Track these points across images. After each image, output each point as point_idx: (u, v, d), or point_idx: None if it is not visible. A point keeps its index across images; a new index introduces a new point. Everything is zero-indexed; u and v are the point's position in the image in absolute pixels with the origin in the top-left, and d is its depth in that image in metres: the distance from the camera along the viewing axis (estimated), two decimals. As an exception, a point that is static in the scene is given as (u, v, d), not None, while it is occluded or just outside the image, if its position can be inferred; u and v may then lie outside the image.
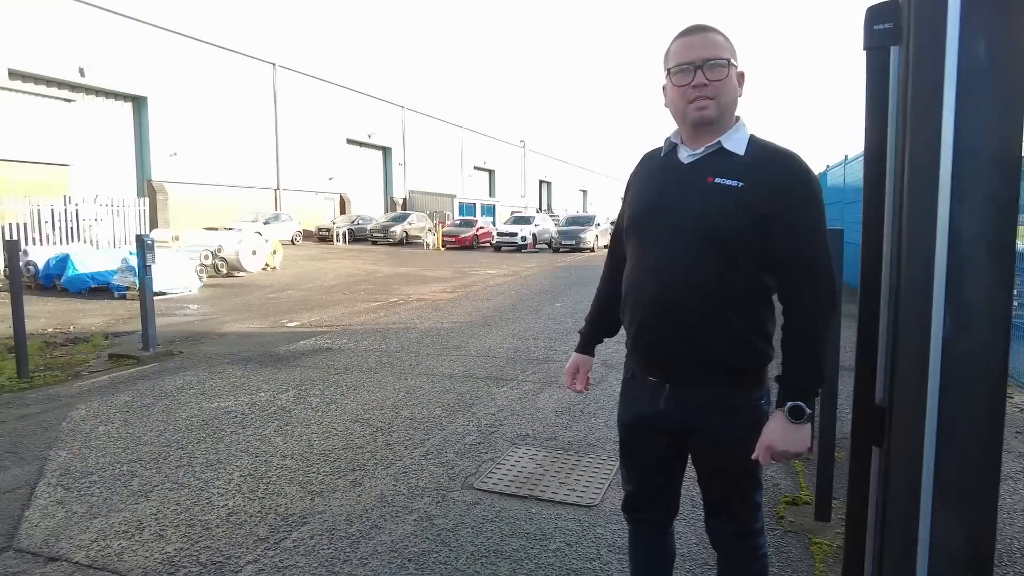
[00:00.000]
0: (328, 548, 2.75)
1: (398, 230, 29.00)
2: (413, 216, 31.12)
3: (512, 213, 36.64)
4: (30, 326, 7.80)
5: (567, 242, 25.75)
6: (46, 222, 14.81)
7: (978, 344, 1.20)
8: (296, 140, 30.88)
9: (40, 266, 12.15)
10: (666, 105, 1.73)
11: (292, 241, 25.72)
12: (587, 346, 1.99)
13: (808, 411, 1.50)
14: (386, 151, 38.66)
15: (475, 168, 48.44)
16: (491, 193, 49.75)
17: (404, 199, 38.89)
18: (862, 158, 1.57)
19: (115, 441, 4.10)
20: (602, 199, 74.20)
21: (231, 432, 4.25)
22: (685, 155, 1.68)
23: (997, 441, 1.21)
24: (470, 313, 9.58)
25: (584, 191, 72.14)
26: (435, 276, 15.72)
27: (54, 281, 12.00)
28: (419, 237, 29.23)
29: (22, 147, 16.46)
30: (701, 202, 1.59)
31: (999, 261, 1.19)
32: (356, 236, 28.99)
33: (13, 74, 19.30)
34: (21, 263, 12.01)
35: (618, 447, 1.90)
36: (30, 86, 18.08)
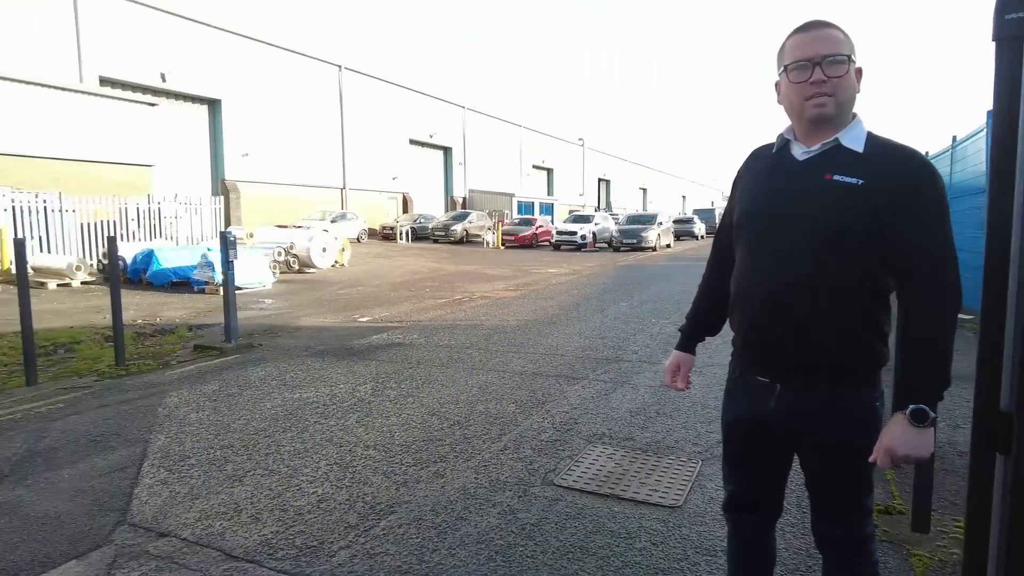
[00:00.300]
0: (417, 537, 2.82)
1: (458, 229, 29.34)
2: (473, 215, 31.43)
3: (570, 211, 36.52)
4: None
5: (628, 241, 25.44)
6: (132, 219, 15.66)
7: None
8: (361, 140, 31.67)
9: (128, 261, 12.86)
10: (779, 101, 1.70)
11: (358, 239, 26.39)
12: (689, 345, 1.98)
13: (932, 415, 1.45)
14: (447, 151, 39.17)
15: (533, 167, 48.49)
16: (549, 192, 49.70)
17: (464, 198, 39.31)
18: (986, 148, 1.50)
19: (207, 427, 4.32)
20: (662, 197, 73.05)
21: (314, 422, 4.40)
22: (799, 152, 1.64)
23: None
24: (534, 311, 9.61)
25: (644, 189, 71.17)
26: (496, 274, 15.83)
27: (140, 275, 12.70)
28: (479, 236, 29.50)
29: (110, 149, 17.49)
30: (819, 200, 1.56)
31: None
32: (418, 234, 29.51)
33: (103, 81, 20.52)
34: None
35: (722, 447, 1.88)
36: (117, 92, 19.15)
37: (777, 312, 1.60)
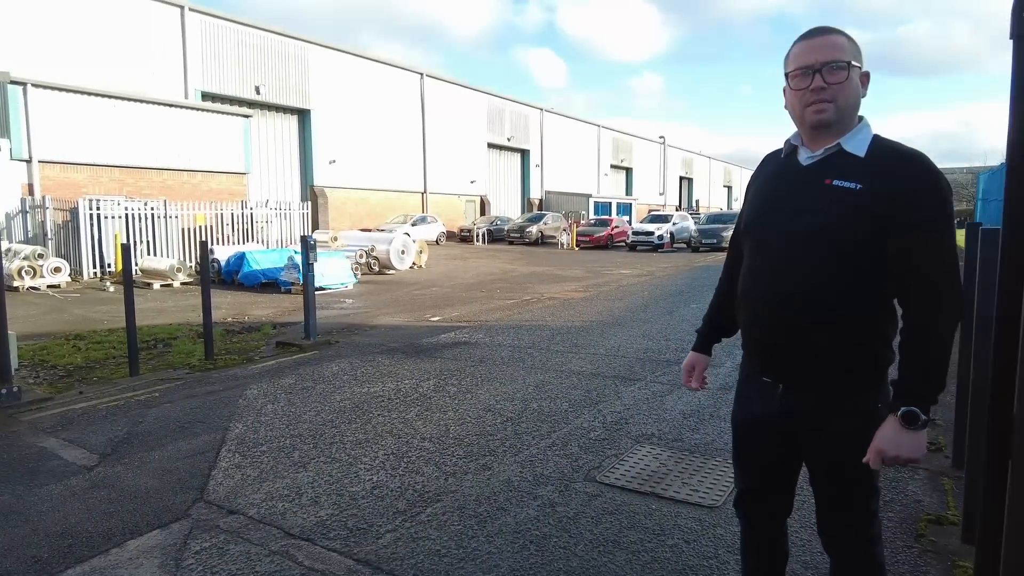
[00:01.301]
0: (458, 524, 2.99)
1: (533, 230, 29.57)
2: (548, 216, 31.59)
3: (650, 211, 35.98)
4: (213, 315, 8.96)
5: (708, 241, 24.80)
6: (227, 224, 16.81)
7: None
8: (441, 145, 32.50)
9: (222, 263, 13.83)
10: (786, 107, 1.74)
11: (437, 241, 27.10)
12: (704, 345, 2.03)
13: (923, 418, 1.46)
14: (524, 153, 39.51)
15: (612, 167, 48.09)
16: (628, 191, 49.13)
17: (540, 200, 39.53)
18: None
19: (280, 418, 4.67)
20: (747, 196, 70.50)
21: (378, 415, 4.67)
22: (804, 157, 1.68)
23: None
24: (601, 312, 9.63)
25: (728, 187, 69.04)
26: (568, 275, 15.90)
27: (233, 276, 13.63)
28: (554, 237, 29.61)
29: (210, 159, 18.86)
30: (818, 204, 1.59)
31: None
32: (494, 236, 29.97)
33: (204, 96, 22.11)
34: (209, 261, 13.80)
35: (732, 447, 1.93)
36: (216, 105, 20.61)
37: (778, 316, 1.65)
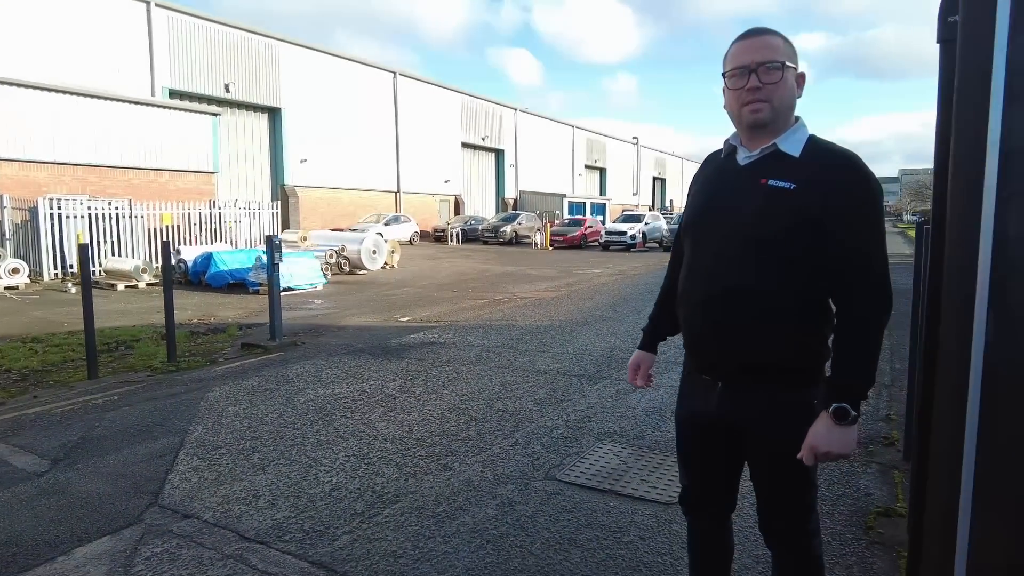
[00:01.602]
0: (416, 525, 2.98)
1: (508, 230, 29.59)
2: (523, 216, 31.64)
3: (623, 211, 36.24)
4: (178, 317, 8.79)
5: (679, 241, 25.01)
6: (194, 224, 16.52)
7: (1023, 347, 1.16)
8: (415, 144, 32.34)
9: (189, 264, 13.60)
10: (725, 107, 1.76)
11: (410, 241, 26.97)
12: (649, 344, 2.05)
13: (853, 413, 1.49)
14: (498, 153, 39.51)
15: (586, 167, 48.32)
16: (602, 191, 49.42)
17: (515, 199, 39.57)
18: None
19: (241, 420, 4.60)
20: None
21: (341, 416, 4.63)
22: (742, 157, 1.70)
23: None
24: (571, 312, 9.68)
25: (700, 188, 69.76)
26: (541, 275, 15.94)
27: (200, 277, 13.40)
28: (528, 236, 29.66)
29: (177, 157, 18.52)
30: (753, 204, 1.61)
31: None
32: (469, 236, 29.92)
33: (172, 93, 21.71)
34: (174, 261, 13.55)
35: (675, 444, 1.95)
36: (184, 103, 20.24)
37: (715, 314, 1.67)
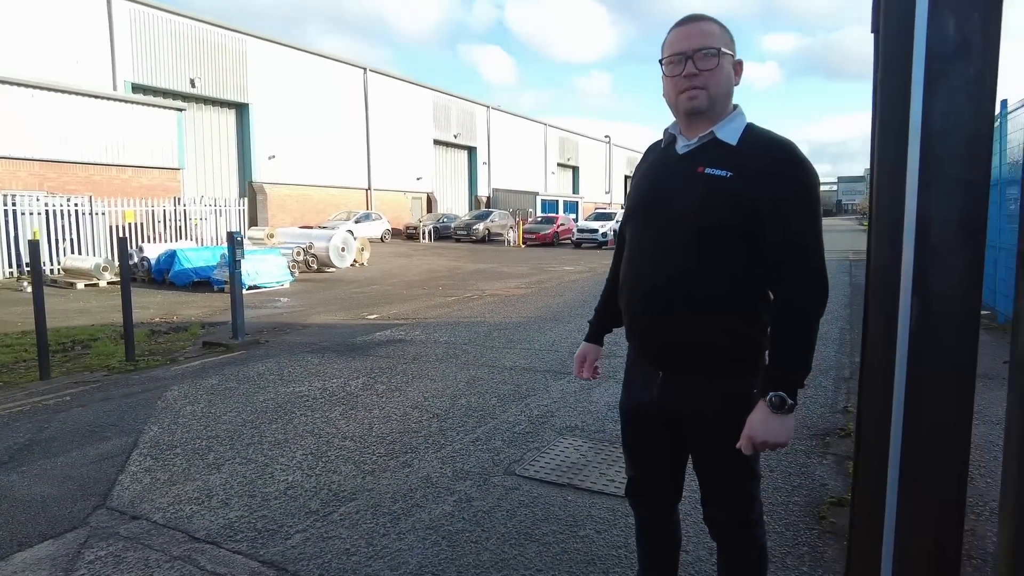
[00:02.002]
0: (371, 523, 2.94)
1: (480, 227, 29.53)
2: (495, 214, 31.60)
3: (595, 209, 36.42)
4: (139, 316, 8.61)
5: (650, 238, 25.22)
6: (159, 222, 16.18)
7: (947, 334, 1.18)
8: (386, 141, 32.07)
9: (152, 262, 13.30)
10: (664, 96, 1.75)
11: (381, 239, 26.74)
12: (595, 336, 2.04)
13: (790, 402, 1.49)
14: (471, 151, 39.39)
15: (559, 165, 48.45)
16: (575, 190, 49.60)
17: (488, 197, 39.50)
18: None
19: (199, 419, 4.50)
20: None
21: (300, 414, 4.56)
22: (681, 145, 1.70)
23: (965, 433, 1.19)
24: (540, 308, 9.68)
25: (672, 186, 70.41)
26: (512, 272, 15.93)
27: (164, 275, 13.12)
28: (501, 234, 29.64)
29: (141, 154, 18.09)
30: (691, 192, 1.61)
31: (969, 246, 1.16)
32: (441, 234, 29.78)
33: (135, 88, 21.20)
34: (137, 259, 13.25)
35: (620, 434, 1.94)
36: (148, 98, 19.78)
37: (655, 303, 1.66)
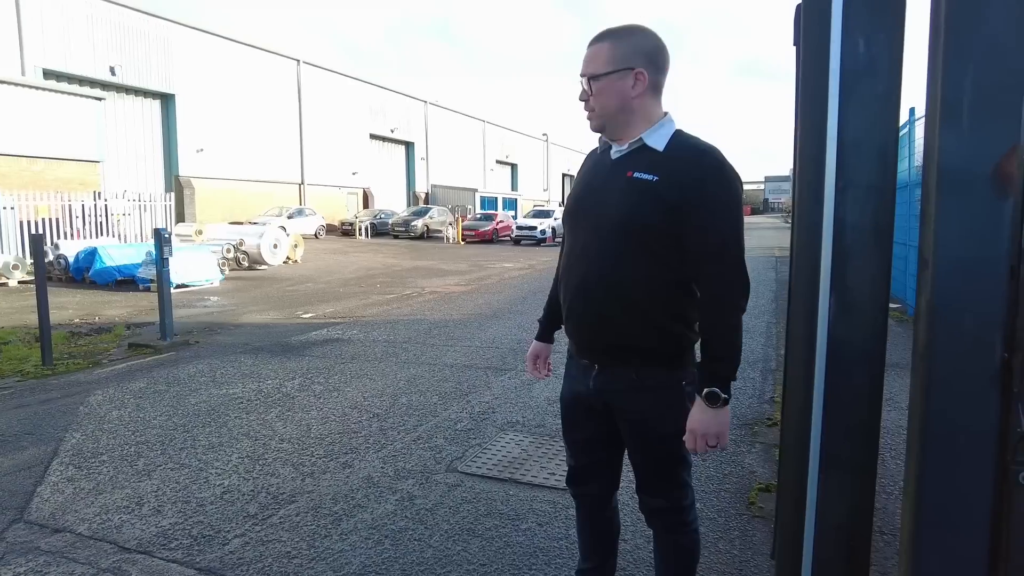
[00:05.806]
0: (312, 525, 2.90)
1: (419, 224, 29.28)
2: (434, 210, 31.39)
3: (534, 206, 36.71)
4: (57, 317, 8.15)
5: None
6: (77, 217, 15.32)
7: (859, 327, 1.28)
8: (320, 136, 31.34)
9: (70, 259, 12.59)
10: None
11: (316, 235, 26.13)
12: (545, 333, 2.09)
13: (724, 396, 1.58)
14: (409, 146, 38.98)
15: (497, 162, 48.55)
16: (513, 187, 49.82)
17: (426, 193, 39.19)
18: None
19: (126, 424, 4.32)
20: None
21: (235, 417, 4.44)
22: (614, 151, 1.77)
23: (875, 418, 1.29)
24: (480, 305, 9.71)
25: (608, 184, 71.66)
26: (452, 270, 15.90)
27: (83, 274, 12.44)
28: (440, 231, 29.48)
29: (55, 144, 17.03)
30: (618, 195, 1.68)
31: (878, 247, 1.27)
32: (378, 230, 29.37)
33: (47, 74, 19.94)
34: (53, 256, 12.52)
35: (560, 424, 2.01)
36: (63, 85, 18.65)
37: (585, 302, 1.74)
